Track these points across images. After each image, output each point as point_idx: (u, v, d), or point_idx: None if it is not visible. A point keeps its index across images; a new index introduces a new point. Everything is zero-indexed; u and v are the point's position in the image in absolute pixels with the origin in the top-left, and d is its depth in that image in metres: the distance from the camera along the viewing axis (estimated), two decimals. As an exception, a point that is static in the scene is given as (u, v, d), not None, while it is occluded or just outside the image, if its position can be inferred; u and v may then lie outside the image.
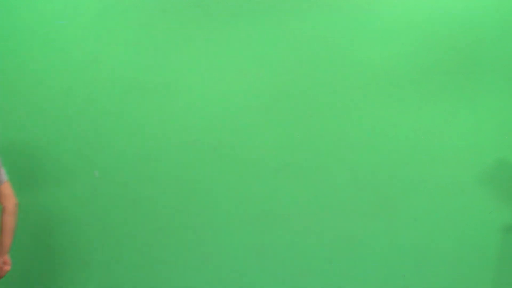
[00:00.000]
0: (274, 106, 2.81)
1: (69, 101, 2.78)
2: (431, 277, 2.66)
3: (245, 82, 2.84)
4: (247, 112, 2.82)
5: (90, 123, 2.88)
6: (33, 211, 2.76)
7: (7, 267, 2.03)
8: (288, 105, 2.80)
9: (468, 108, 2.72)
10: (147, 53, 2.91)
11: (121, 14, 2.95)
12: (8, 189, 2.05)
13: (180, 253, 2.79)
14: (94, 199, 2.83)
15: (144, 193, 2.83)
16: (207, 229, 2.78)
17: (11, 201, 2.04)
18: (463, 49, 2.76)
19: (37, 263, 2.77)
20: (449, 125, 2.72)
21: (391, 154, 2.72)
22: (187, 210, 2.81)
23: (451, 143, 2.71)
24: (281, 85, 2.82)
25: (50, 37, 2.98)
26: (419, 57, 2.77)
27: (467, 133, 2.70)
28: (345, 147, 2.75)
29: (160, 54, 2.90)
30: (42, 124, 2.77)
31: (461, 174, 2.68)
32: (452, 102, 2.73)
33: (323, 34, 2.83)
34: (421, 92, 2.75)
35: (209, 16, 2.89)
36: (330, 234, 2.72)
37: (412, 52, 2.78)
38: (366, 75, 2.78)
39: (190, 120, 2.84)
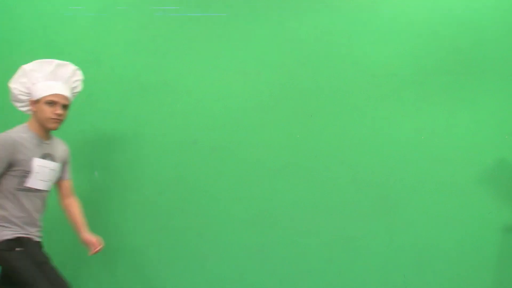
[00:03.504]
0: (274, 106, 2.81)
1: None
2: (431, 277, 2.66)
3: (245, 82, 2.85)
4: (247, 112, 2.82)
5: (90, 123, 2.88)
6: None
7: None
8: (288, 105, 2.81)
9: (468, 108, 2.73)
10: (147, 53, 2.91)
11: (121, 14, 2.95)
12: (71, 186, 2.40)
13: (180, 253, 2.79)
14: (94, 199, 2.83)
15: (144, 193, 2.83)
16: (207, 229, 2.78)
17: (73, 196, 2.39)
18: (463, 49, 2.76)
19: (37, 263, 2.77)
20: (449, 125, 2.72)
21: (391, 154, 2.72)
22: (187, 210, 2.81)
23: (451, 143, 2.71)
24: (281, 85, 2.82)
25: (50, 37, 2.98)
26: (419, 57, 2.77)
27: (467, 133, 2.71)
28: (345, 147, 2.75)
29: (160, 54, 2.91)
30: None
31: (461, 174, 2.68)
32: (452, 102, 2.73)
33: (323, 34, 2.83)
34: (421, 92, 2.75)
35: (209, 16, 2.89)
36: (330, 234, 2.72)
37: (412, 52, 2.78)
38: (366, 75, 2.78)
39: (190, 120, 2.84)
